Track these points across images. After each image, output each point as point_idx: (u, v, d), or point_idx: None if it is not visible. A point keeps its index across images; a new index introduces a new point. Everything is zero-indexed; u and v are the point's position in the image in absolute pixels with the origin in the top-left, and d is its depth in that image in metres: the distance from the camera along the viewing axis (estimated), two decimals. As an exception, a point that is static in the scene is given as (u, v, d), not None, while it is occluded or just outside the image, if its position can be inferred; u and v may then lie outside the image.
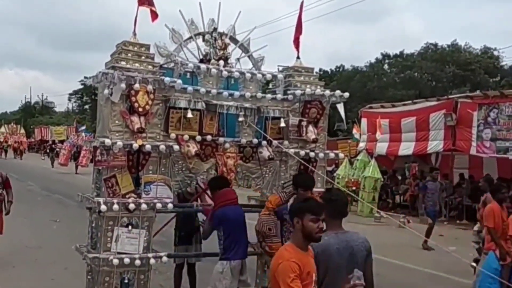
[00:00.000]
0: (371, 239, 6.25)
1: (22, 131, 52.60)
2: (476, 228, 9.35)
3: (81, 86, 64.28)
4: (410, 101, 20.86)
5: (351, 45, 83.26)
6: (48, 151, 43.31)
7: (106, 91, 5.26)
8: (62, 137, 49.05)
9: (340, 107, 6.32)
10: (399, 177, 21.56)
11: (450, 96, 19.23)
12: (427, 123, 18.39)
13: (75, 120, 46.83)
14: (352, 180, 19.13)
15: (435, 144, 18.19)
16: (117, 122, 5.34)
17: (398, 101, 22.44)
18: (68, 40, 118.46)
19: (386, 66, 43.39)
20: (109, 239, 5.32)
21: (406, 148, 19.33)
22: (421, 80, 37.92)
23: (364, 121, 21.16)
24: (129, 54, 5.37)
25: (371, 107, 22.19)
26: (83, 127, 36.31)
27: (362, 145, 20.28)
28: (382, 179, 19.16)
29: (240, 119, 5.73)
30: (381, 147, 19.52)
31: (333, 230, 3.76)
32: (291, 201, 5.40)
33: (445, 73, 36.51)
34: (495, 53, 39.93)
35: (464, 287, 8.81)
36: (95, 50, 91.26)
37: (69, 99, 71.65)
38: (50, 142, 49.43)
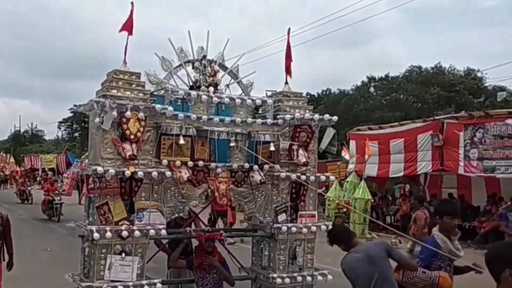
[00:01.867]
0: None
1: (12, 160, 52.12)
2: (408, 245, 9.70)
3: (71, 114, 64.04)
4: (397, 123, 21.02)
5: (337, 69, 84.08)
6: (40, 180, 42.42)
7: (97, 119, 5.28)
8: (52, 165, 48.56)
9: (330, 132, 6.36)
10: (390, 198, 21.62)
11: (436, 117, 19.39)
12: (415, 144, 18.47)
13: (65, 148, 46.50)
14: (343, 201, 19.13)
15: (424, 164, 18.23)
16: (108, 149, 5.34)
17: (385, 123, 22.60)
18: (56, 69, 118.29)
19: (372, 89, 43.85)
20: (102, 267, 5.28)
21: (396, 169, 19.38)
22: (407, 102, 38.33)
23: (352, 143, 21.25)
24: (120, 83, 5.40)
25: (358, 129, 22.33)
26: (77, 160, 35.41)
27: (351, 167, 20.34)
28: (373, 200, 19.18)
29: (232, 144, 5.76)
30: (371, 169, 19.58)
31: (351, 249, 4.55)
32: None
33: (430, 95, 36.96)
34: (478, 74, 40.59)
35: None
36: (84, 78, 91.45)
37: (59, 127, 71.26)
38: (41, 170, 48.81)
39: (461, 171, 16.96)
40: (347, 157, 20.75)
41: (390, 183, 22.10)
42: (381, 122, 24.45)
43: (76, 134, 66.48)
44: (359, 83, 45.12)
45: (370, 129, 21.68)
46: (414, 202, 11.63)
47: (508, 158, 15.41)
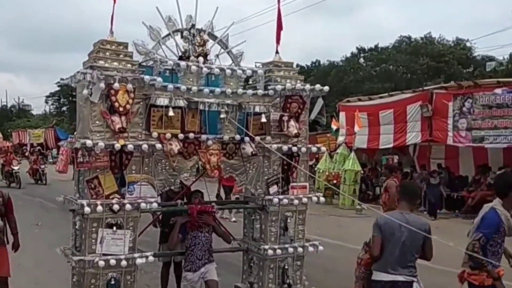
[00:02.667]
0: (353, 231, 6.30)
1: (0, 135, 51.63)
2: None
3: (58, 88, 63.09)
4: (386, 94, 20.99)
5: (327, 40, 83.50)
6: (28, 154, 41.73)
7: (85, 91, 5.15)
8: (40, 140, 48.16)
9: (320, 102, 6.29)
10: (379, 169, 21.73)
11: (425, 88, 19.45)
12: (404, 115, 18.51)
13: (53, 123, 45.99)
14: (333, 173, 19.22)
15: (413, 135, 18.32)
16: (97, 122, 5.24)
17: (375, 94, 22.59)
18: (41, 42, 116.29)
19: (361, 60, 43.68)
20: (93, 241, 5.24)
21: (386, 140, 19.45)
22: (396, 73, 38.31)
23: (342, 115, 21.25)
24: (107, 53, 5.26)
25: (348, 101, 22.31)
26: (71, 136, 34.79)
27: (341, 138, 20.38)
28: (362, 172, 19.29)
29: (222, 116, 5.67)
30: (361, 140, 19.64)
31: (401, 210, 4.71)
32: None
33: (420, 65, 36.95)
34: (468, 44, 40.55)
35: (447, 275, 8.90)
36: (71, 51, 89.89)
37: (46, 102, 70.24)
38: (29, 145, 48.24)
39: (450, 141, 17.08)
40: (336, 129, 20.76)
41: (380, 154, 22.20)
42: (371, 93, 24.43)
43: (64, 108, 65.70)
44: (348, 54, 44.95)
45: (359, 100, 21.66)
46: (385, 171, 11.86)
47: (496, 128, 15.55)
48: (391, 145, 19.58)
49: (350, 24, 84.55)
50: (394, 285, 4.50)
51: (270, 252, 5.91)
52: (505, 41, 73.76)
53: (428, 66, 36.79)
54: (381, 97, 20.60)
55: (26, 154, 43.73)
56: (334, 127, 20.51)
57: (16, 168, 22.65)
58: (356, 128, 18.70)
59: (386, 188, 11.05)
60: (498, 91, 15.60)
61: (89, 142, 5.09)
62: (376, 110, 19.63)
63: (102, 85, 5.10)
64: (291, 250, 6.04)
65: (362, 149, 20.36)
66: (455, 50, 38.88)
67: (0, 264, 5.83)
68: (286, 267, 6.14)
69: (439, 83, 24.84)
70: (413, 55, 38.08)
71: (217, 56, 5.97)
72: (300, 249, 6.11)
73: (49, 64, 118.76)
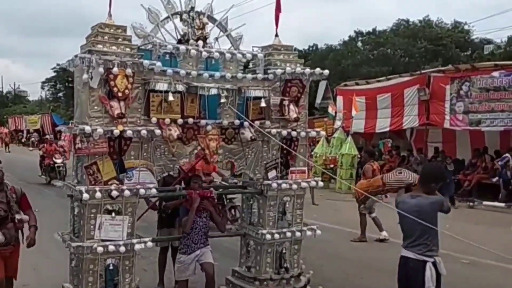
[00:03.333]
0: (350, 215, 6.31)
1: (-3, 121, 51.35)
2: None
3: (54, 74, 62.45)
4: (384, 78, 20.91)
5: (324, 23, 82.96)
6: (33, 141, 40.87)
7: (85, 76, 5.07)
8: (37, 126, 47.92)
9: (322, 85, 6.24)
10: (376, 153, 21.71)
11: (423, 71, 19.33)
12: (402, 99, 18.47)
13: (50, 109, 45.65)
14: (330, 158, 19.21)
15: (410, 119, 18.31)
16: (96, 107, 5.18)
17: (372, 78, 22.48)
18: (38, 27, 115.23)
19: (359, 44, 43.39)
20: (92, 227, 5.22)
21: (383, 124, 19.44)
22: (394, 56, 38.05)
23: (339, 99, 21.16)
24: (106, 37, 5.18)
25: (346, 85, 22.21)
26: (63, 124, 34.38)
27: (338, 123, 20.34)
28: (359, 156, 19.29)
29: (222, 100, 5.62)
30: (358, 124, 19.62)
31: (414, 192, 4.99)
32: None
33: (417, 49, 36.73)
34: (466, 27, 40.34)
35: (442, 258, 8.94)
36: (67, 36, 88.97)
37: (42, 88, 69.44)
38: (25, 131, 47.95)
39: (446, 125, 17.09)
40: (333, 113, 20.71)
41: (377, 138, 22.18)
42: (369, 77, 24.30)
43: (60, 94, 65.02)
44: (346, 38, 44.66)
45: (357, 84, 21.57)
46: (365, 155, 11.99)
47: (493, 111, 15.54)
48: (388, 129, 19.58)
49: (348, 7, 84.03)
50: (406, 261, 4.88)
51: (268, 236, 5.92)
52: (504, 24, 73.40)
53: (426, 49, 36.59)
54: (378, 81, 20.52)
55: (23, 140, 43.48)
56: (331, 111, 20.44)
57: (59, 161, 18.64)
58: (354, 112, 18.64)
59: (363, 171, 11.22)
60: (496, 74, 15.57)
61: (87, 128, 5.04)
62: (374, 94, 19.56)
63: (101, 69, 5.03)
64: (289, 234, 6.05)
65: (359, 133, 20.35)
66: (453, 33, 38.65)
67: (9, 264, 5.47)
68: (284, 251, 6.15)
69: (437, 66, 24.78)
70: (411, 39, 37.85)
71: (217, 39, 5.90)
72: (298, 234, 6.12)
73: (45, 50, 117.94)
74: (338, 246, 9.85)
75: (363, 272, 8.10)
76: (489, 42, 38.68)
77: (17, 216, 5.39)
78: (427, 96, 17.23)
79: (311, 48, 47.23)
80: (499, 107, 15.37)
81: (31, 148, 37.78)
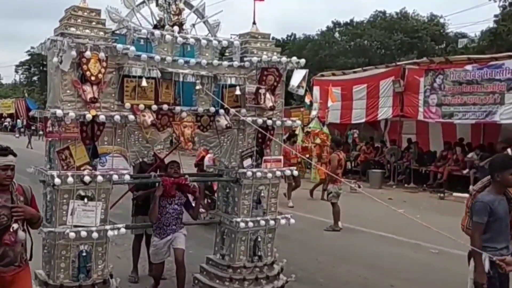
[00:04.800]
0: (325, 205, 6.31)
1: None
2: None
3: (28, 57, 61.12)
4: (360, 69, 21.00)
5: (303, 13, 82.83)
6: (21, 127, 39.45)
7: (55, 59, 4.95)
8: (11, 110, 47.01)
9: (301, 72, 6.18)
10: (351, 144, 21.89)
11: (398, 63, 19.46)
12: (377, 90, 18.59)
13: (24, 93, 44.71)
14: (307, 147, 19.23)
15: (385, 110, 18.46)
16: (68, 91, 5.06)
17: (349, 69, 22.57)
18: (11, 8, 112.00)
19: (337, 34, 43.53)
20: (64, 212, 5.12)
21: (358, 115, 19.55)
22: (371, 48, 38.32)
23: (316, 89, 21.21)
24: (79, 20, 5.04)
25: (322, 75, 22.26)
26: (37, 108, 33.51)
27: (314, 113, 20.37)
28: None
29: (197, 87, 5.54)
30: (334, 115, 19.68)
31: (494, 189, 4.61)
32: None
33: (393, 41, 37.06)
34: (441, 20, 40.78)
35: (412, 247, 9.10)
36: (42, 18, 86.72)
37: (16, 71, 68.05)
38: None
39: (420, 117, 17.26)
40: (309, 102, 20.73)
41: (352, 129, 22.36)
42: (345, 68, 24.41)
43: (35, 78, 63.77)
44: (324, 28, 44.74)
45: (333, 75, 21.64)
46: (332, 145, 12.17)
47: (465, 104, 15.74)
48: (363, 120, 19.69)
49: None
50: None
51: (242, 224, 5.89)
52: (478, 18, 74.33)
53: (402, 41, 36.94)
54: (355, 72, 20.61)
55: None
56: (308, 101, 20.46)
57: None
58: (330, 103, 18.69)
59: (329, 160, 11.54)
60: (469, 67, 15.77)
61: (59, 112, 4.92)
62: (350, 85, 19.64)
63: (74, 53, 4.90)
64: (263, 222, 6.03)
65: (334, 124, 20.45)
66: (429, 26, 39.07)
67: None
68: (258, 239, 6.13)
69: (412, 59, 24.97)
70: (388, 31, 38.15)
71: (193, 26, 5.80)
72: (272, 222, 6.11)
73: (19, 32, 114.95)
74: (311, 235, 9.90)
75: (335, 260, 8.17)
76: (463, 36, 39.23)
77: (14, 226, 3.99)
78: (401, 88, 17.39)
79: (289, 38, 47.20)
80: (471, 100, 15.58)
81: (17, 135, 36.20)
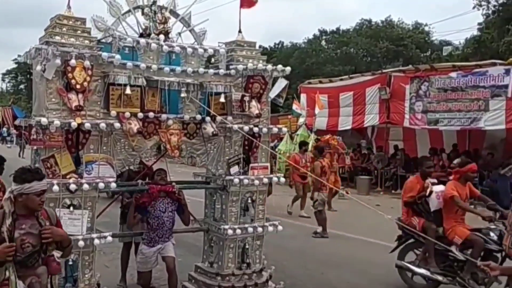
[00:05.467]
0: (312, 211, 6.26)
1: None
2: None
3: (15, 65, 60.75)
4: (346, 76, 21.14)
5: (290, 21, 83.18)
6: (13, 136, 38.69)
7: (39, 68, 4.94)
8: (-2, 118, 46.49)
9: (282, 82, 6.21)
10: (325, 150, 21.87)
11: (384, 71, 19.61)
12: (363, 98, 18.72)
13: (10, 101, 44.25)
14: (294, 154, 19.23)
15: (371, 117, 18.58)
16: (53, 100, 5.03)
17: (336, 77, 22.71)
18: None
19: (323, 43, 43.86)
20: (50, 221, 5.06)
21: (345, 122, 19.64)
22: (357, 56, 38.70)
23: (303, 97, 21.30)
24: (64, 29, 5.02)
25: (309, 83, 22.37)
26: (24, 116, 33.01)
27: (301, 120, 20.44)
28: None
29: (183, 95, 5.53)
30: (321, 122, 19.75)
31: None
32: None
33: (379, 49, 37.46)
34: (426, 28, 41.29)
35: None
36: (29, 27, 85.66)
37: (3, 79, 67.57)
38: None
39: (406, 123, 17.39)
40: (298, 110, 20.81)
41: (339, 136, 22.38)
42: (332, 76, 24.55)
43: (22, 86, 63.34)
44: (311, 36, 45.05)
45: (320, 82, 21.75)
46: (315, 152, 12.23)
47: (450, 111, 15.88)
48: (349, 127, 19.78)
49: (313, 5, 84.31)
50: None
51: (230, 232, 5.87)
52: (462, 26, 75.09)
53: (387, 49, 37.33)
54: (341, 80, 20.73)
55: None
56: (295, 108, 20.53)
57: None
58: (317, 110, 18.77)
59: (313, 168, 11.56)
60: (453, 74, 15.94)
61: (44, 120, 4.88)
62: (336, 92, 19.75)
63: (58, 61, 4.88)
64: (251, 230, 6.01)
65: (321, 131, 20.50)
66: (414, 34, 39.56)
67: None
68: (246, 246, 6.11)
69: (398, 66, 25.26)
70: (373, 39, 38.56)
71: (179, 34, 5.80)
72: (260, 229, 6.09)
73: (5, 40, 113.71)
74: (299, 242, 9.89)
75: (323, 267, 8.16)
76: (448, 43, 39.73)
77: (56, 254, 3.78)
78: (387, 95, 17.53)
79: (276, 46, 47.47)
80: (456, 107, 15.72)
81: (9, 145, 35.23)
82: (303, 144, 14.31)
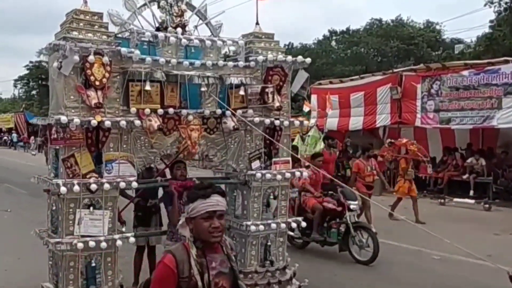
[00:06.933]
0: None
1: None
2: None
3: (27, 72, 60.88)
4: (357, 77, 20.97)
5: (300, 22, 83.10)
6: (36, 143, 38.33)
7: (55, 64, 4.82)
8: (10, 124, 46.74)
9: (303, 75, 6.06)
10: (350, 151, 21.75)
11: (395, 70, 19.43)
12: (374, 97, 18.56)
13: (22, 107, 44.39)
14: (305, 155, 19.06)
15: (383, 117, 18.42)
16: (72, 97, 4.92)
17: (346, 77, 22.57)
18: (9, 23, 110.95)
19: (333, 43, 43.67)
20: (71, 222, 4.94)
21: (356, 122, 19.48)
22: (367, 56, 38.43)
23: (314, 98, 21.12)
24: (81, 24, 4.93)
25: (320, 84, 22.21)
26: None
27: (312, 121, 20.27)
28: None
29: (203, 89, 5.40)
30: (332, 123, 19.57)
31: None
32: None
33: (390, 48, 37.14)
34: (437, 27, 40.95)
35: (414, 254, 8.91)
36: (39, 33, 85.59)
37: (15, 85, 67.54)
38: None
39: (418, 123, 17.22)
40: (307, 110, 20.66)
41: (350, 136, 22.21)
42: (342, 76, 24.40)
43: (34, 92, 63.49)
44: (321, 37, 44.88)
45: (331, 83, 21.58)
46: (328, 145, 12.03)
47: (463, 109, 15.72)
48: (361, 127, 19.61)
49: (322, 6, 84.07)
50: None
51: (253, 228, 5.71)
52: (473, 24, 74.43)
53: (398, 48, 37.01)
54: (352, 80, 20.57)
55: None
56: (306, 109, 20.37)
57: None
58: (328, 111, 18.60)
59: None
60: (465, 73, 15.76)
61: (63, 118, 4.77)
62: (347, 93, 19.58)
63: (76, 57, 4.78)
64: (274, 226, 5.84)
65: (332, 132, 20.33)
66: (425, 33, 39.20)
67: None
68: (269, 243, 5.95)
69: (409, 65, 24.99)
70: (384, 38, 38.23)
71: (196, 27, 5.68)
72: (283, 225, 5.93)
73: (17, 47, 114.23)
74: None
75: (336, 268, 7.99)
76: (459, 41, 39.37)
77: None
78: (399, 94, 17.36)
79: (286, 47, 47.33)
80: (468, 105, 15.54)
81: (34, 152, 34.77)
82: (366, 150, 12.45)
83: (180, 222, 2.78)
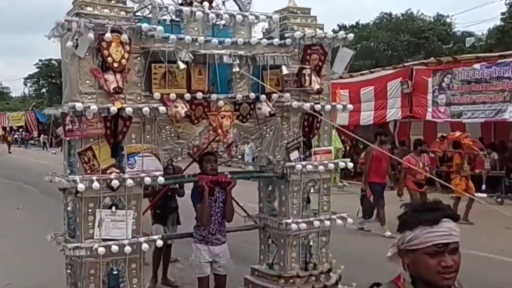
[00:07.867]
0: (336, 208, 5.30)
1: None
2: None
3: (37, 70, 60.10)
4: (367, 71, 20.34)
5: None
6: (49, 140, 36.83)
7: (69, 43, 4.03)
8: (21, 122, 46.11)
9: (347, 53, 5.23)
10: (361, 146, 21.06)
11: (405, 64, 18.89)
12: (385, 92, 18.00)
13: (32, 105, 43.79)
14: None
15: (394, 111, 17.78)
16: (88, 82, 4.15)
17: (356, 72, 21.82)
18: (18, 22, 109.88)
19: (343, 38, 42.81)
20: (90, 224, 4.18)
21: (367, 117, 18.91)
22: (377, 50, 37.42)
23: (324, 93, 20.46)
24: (96, -1, 4.13)
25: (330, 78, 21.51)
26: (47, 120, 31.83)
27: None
28: (343, 149, 18.51)
29: (235, 69, 4.56)
30: (343, 118, 18.90)
31: None
32: None
33: (400, 42, 36.12)
34: (448, 20, 39.95)
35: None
36: (47, 31, 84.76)
37: (25, 84, 66.64)
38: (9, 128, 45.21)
39: (429, 117, 16.64)
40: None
41: (360, 131, 21.50)
42: (352, 71, 23.59)
43: (44, 90, 62.84)
44: (330, 32, 44.07)
45: (341, 77, 20.77)
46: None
47: (474, 103, 15.18)
48: (371, 122, 19.01)
49: (331, 1, 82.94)
50: None
51: (294, 226, 4.88)
52: (484, 16, 73.32)
53: (408, 42, 35.98)
54: (362, 74, 19.99)
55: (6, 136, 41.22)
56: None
57: None
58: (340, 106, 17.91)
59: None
60: (477, 66, 15.16)
61: (78, 105, 4.01)
62: (357, 87, 19.00)
63: (91, 35, 4.01)
64: (316, 223, 5.00)
65: (343, 126, 19.63)
66: (435, 26, 38.17)
67: None
68: (311, 244, 5.12)
69: (420, 59, 24.21)
70: (394, 32, 37.20)
71: (223, 3, 4.85)
72: (327, 223, 5.08)
73: (27, 45, 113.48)
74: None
75: (341, 262, 7.20)
76: (470, 35, 38.44)
77: None
78: (409, 88, 16.77)
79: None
80: (480, 99, 14.96)
81: (54, 151, 33.39)
82: (418, 144, 10.93)
83: (389, 253, 1.96)
